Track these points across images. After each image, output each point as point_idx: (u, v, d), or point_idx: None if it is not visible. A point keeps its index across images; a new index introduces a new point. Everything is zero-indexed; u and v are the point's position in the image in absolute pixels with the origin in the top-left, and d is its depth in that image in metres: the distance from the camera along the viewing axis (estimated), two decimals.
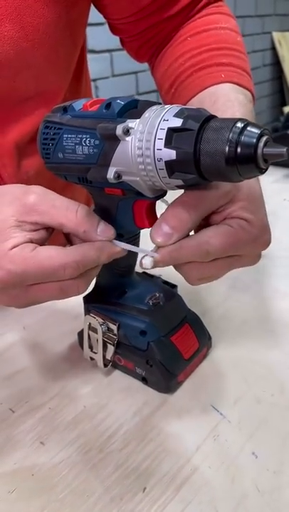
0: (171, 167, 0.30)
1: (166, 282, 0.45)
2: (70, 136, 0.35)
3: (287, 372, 0.42)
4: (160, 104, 0.33)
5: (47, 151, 0.37)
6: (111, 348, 0.40)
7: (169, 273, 0.42)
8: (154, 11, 0.51)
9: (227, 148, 0.28)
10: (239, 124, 0.28)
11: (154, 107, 0.32)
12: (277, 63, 3.07)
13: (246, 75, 0.48)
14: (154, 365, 0.39)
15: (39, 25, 0.46)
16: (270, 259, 0.61)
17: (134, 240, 0.39)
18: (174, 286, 0.45)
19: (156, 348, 0.39)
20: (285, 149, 0.29)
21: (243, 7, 2.53)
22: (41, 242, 0.34)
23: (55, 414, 0.39)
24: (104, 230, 0.34)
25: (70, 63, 0.56)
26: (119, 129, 0.31)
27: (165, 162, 0.30)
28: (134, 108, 0.33)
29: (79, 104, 0.36)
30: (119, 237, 0.38)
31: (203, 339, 0.43)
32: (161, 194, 0.35)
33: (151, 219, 0.37)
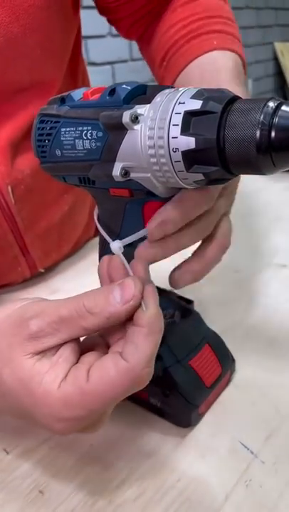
0: (190, 158, 0.25)
1: (181, 297, 0.39)
2: (68, 129, 0.30)
3: None
4: (173, 87, 0.28)
5: (43, 148, 0.32)
6: None
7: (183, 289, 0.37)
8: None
9: (258, 133, 0.23)
10: (271, 104, 0.23)
11: (167, 91, 0.27)
12: (280, 73, 3.05)
13: (237, 41, 0.47)
14: (171, 395, 0.34)
15: (30, 8, 0.42)
16: None
17: None
18: (190, 302, 0.39)
19: (173, 374, 0.33)
20: None
21: (245, 18, 2.52)
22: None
23: (56, 456, 0.33)
24: (123, 295, 0.27)
25: (64, 51, 0.52)
26: (126, 116, 0.26)
27: (182, 152, 0.25)
28: (142, 94, 0.28)
29: (78, 94, 0.31)
30: (128, 246, 0.33)
31: (226, 362, 0.37)
32: (176, 193, 0.30)
33: None
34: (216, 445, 0.33)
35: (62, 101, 0.31)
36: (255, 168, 0.24)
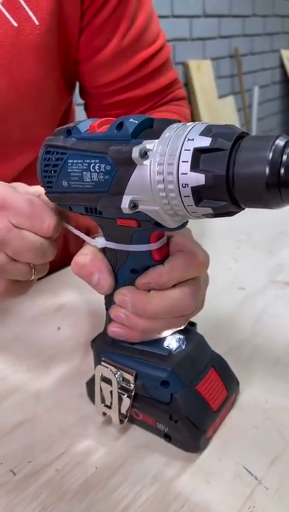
0: (199, 194, 0.26)
1: None
2: (76, 161, 0.30)
3: None
4: (180, 121, 0.28)
5: (49, 178, 0.32)
6: (127, 401, 0.35)
7: None
8: (128, 85, 0.56)
9: (268, 170, 0.24)
10: (280, 142, 0.24)
11: (175, 125, 0.28)
12: (286, 81, 3.05)
13: None
14: (179, 421, 0.34)
15: (30, 79, 0.47)
16: None
17: None
18: (193, 324, 0.40)
19: (180, 400, 0.34)
20: None
21: (252, 26, 2.53)
22: None
23: (62, 478, 0.34)
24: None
25: (56, 114, 0.57)
26: (135, 152, 0.27)
27: (192, 188, 0.26)
28: (149, 127, 0.29)
29: (85, 125, 0.31)
30: (134, 272, 0.33)
31: (231, 385, 0.38)
32: (183, 224, 0.30)
33: (166, 251, 0.33)
34: (221, 470, 0.33)
35: (69, 132, 0.32)
36: (264, 203, 0.25)
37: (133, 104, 0.59)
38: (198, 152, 0.25)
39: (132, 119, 0.29)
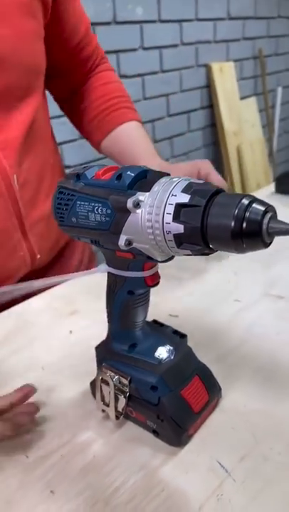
0: (180, 239, 0.32)
1: (176, 332, 0.46)
2: (83, 203, 0.37)
3: None
4: (168, 175, 0.34)
5: (61, 214, 0.39)
6: (122, 401, 0.42)
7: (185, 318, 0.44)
8: (74, 52, 0.73)
9: (233, 224, 0.30)
10: (245, 201, 0.30)
11: (163, 180, 0.34)
12: None
13: (136, 112, 0.78)
14: (164, 420, 0.40)
15: (27, 29, 0.59)
16: None
17: (145, 297, 0.41)
18: (184, 336, 0.45)
19: (166, 403, 0.40)
20: (286, 227, 0.30)
21: (277, 27, 2.53)
22: None
23: (66, 463, 0.40)
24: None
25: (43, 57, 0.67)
26: (129, 203, 0.33)
27: (174, 235, 0.32)
28: (143, 178, 0.35)
29: (92, 172, 0.38)
30: (131, 294, 0.39)
31: (213, 391, 0.44)
32: (169, 258, 0.37)
33: (157, 277, 0.39)
34: (198, 463, 0.39)
35: (78, 177, 0.38)
36: (231, 249, 0.31)
37: (80, 63, 0.76)
38: (179, 206, 0.31)
39: (129, 172, 0.35)
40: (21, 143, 0.61)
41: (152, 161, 0.69)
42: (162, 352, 0.42)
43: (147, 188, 0.33)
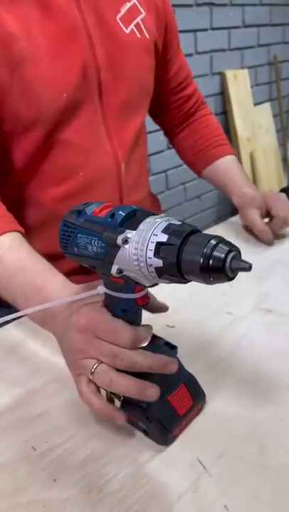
0: (160, 271, 0.39)
1: (167, 343, 0.51)
2: (82, 235, 0.43)
3: (268, 433, 0.48)
4: (154, 215, 0.41)
5: (65, 244, 0.45)
6: (117, 403, 0.48)
7: (170, 334, 0.50)
8: (175, 91, 0.96)
9: (201, 260, 0.36)
10: (213, 241, 0.36)
11: (148, 220, 0.40)
12: None
13: (231, 146, 1.02)
14: (152, 422, 0.46)
15: (145, 62, 0.83)
16: (278, 316, 0.67)
17: (137, 315, 0.47)
18: (174, 348, 0.50)
19: (154, 407, 0.46)
20: (248, 265, 0.36)
21: None
22: None
23: (67, 456, 0.47)
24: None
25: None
26: (119, 240, 0.40)
27: (155, 268, 0.38)
28: (133, 216, 0.41)
29: (91, 209, 0.44)
30: (124, 312, 0.46)
31: (197, 397, 0.49)
32: (155, 283, 0.43)
33: (147, 298, 0.46)
34: (180, 460, 0.45)
35: (79, 213, 0.45)
36: (200, 280, 0.37)
37: (182, 104, 0.98)
38: (159, 244, 0.38)
39: (120, 211, 0.41)
40: (131, 142, 0.81)
41: (239, 191, 0.93)
42: None
43: (135, 227, 0.40)
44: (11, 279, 0.55)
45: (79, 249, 0.44)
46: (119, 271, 0.41)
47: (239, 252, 0.37)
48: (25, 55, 0.65)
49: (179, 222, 0.39)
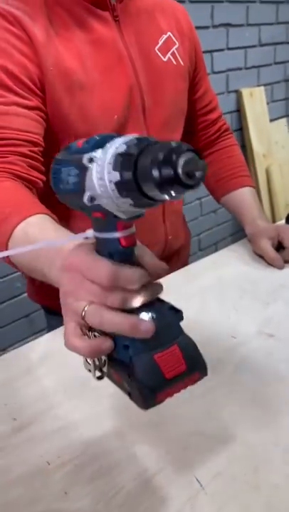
0: (119, 188, 0.35)
1: (172, 307, 0.45)
2: (64, 169, 0.40)
3: (263, 455, 0.51)
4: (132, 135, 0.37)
5: (54, 183, 0.42)
6: (102, 360, 0.44)
7: None
8: (201, 113, 1.04)
9: (153, 169, 0.32)
10: (167, 147, 0.32)
11: (116, 139, 0.36)
12: None
13: (251, 179, 1.09)
14: (134, 380, 0.41)
15: (181, 87, 0.94)
16: (279, 340, 0.70)
17: (126, 260, 0.41)
18: (178, 311, 0.45)
19: (136, 363, 0.40)
20: (201, 164, 0.33)
21: None
22: None
23: (78, 470, 0.52)
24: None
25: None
26: (84, 158, 0.37)
27: (114, 183, 0.35)
28: (111, 139, 0.37)
29: (75, 144, 0.41)
30: (110, 256, 0.41)
31: (193, 364, 0.43)
32: (135, 216, 0.39)
33: (132, 240, 0.41)
34: (180, 476, 0.50)
35: (66, 148, 0.42)
36: (159, 193, 0.33)
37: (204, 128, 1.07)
38: (118, 156, 0.34)
39: (96, 136, 0.38)
40: None
41: (253, 222, 1.00)
42: (144, 316, 0.41)
43: (104, 146, 0.36)
44: (37, 251, 0.53)
45: (64, 185, 0.41)
46: (91, 198, 0.37)
47: (196, 154, 0.33)
48: (82, 85, 0.77)
49: (146, 136, 0.36)
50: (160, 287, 0.43)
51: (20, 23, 0.73)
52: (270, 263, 0.93)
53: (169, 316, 0.43)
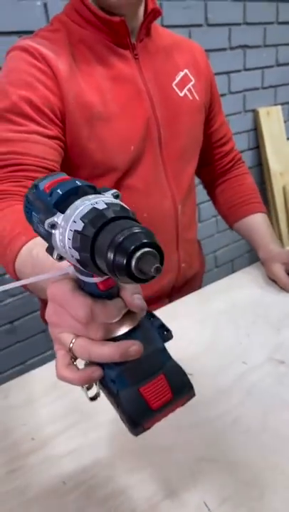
0: (81, 264, 0.34)
1: (162, 326, 0.45)
2: (34, 214, 0.39)
3: (269, 482, 0.53)
4: (92, 193, 0.36)
5: (28, 220, 0.41)
6: (94, 387, 0.45)
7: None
8: (216, 145, 1.10)
9: (107, 255, 0.31)
10: (125, 232, 0.30)
11: (77, 202, 0.34)
12: None
13: (264, 206, 1.12)
14: (121, 412, 0.42)
15: (197, 120, 1.00)
16: None
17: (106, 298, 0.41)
18: (168, 331, 0.45)
19: (123, 397, 0.41)
20: (154, 267, 0.30)
21: None
22: None
23: (91, 492, 0.54)
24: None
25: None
26: (46, 225, 0.35)
27: (76, 259, 0.34)
28: (75, 194, 0.36)
29: (44, 183, 0.38)
30: (90, 294, 0.40)
31: (180, 390, 0.43)
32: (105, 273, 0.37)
33: (111, 283, 0.40)
34: (188, 501, 0.52)
35: (36, 187, 0.39)
36: (115, 278, 0.32)
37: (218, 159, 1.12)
38: (76, 233, 0.33)
39: (58, 190, 0.36)
40: (186, 187, 0.97)
41: (265, 247, 1.03)
42: None
43: (64, 210, 0.35)
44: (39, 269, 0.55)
45: (35, 227, 0.40)
46: (59, 257, 0.37)
47: (158, 250, 0.31)
48: (101, 117, 0.82)
49: (106, 205, 0.33)
50: (143, 310, 0.42)
51: (46, 59, 0.78)
52: (283, 288, 0.95)
53: (156, 341, 0.43)
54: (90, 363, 0.42)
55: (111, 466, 0.57)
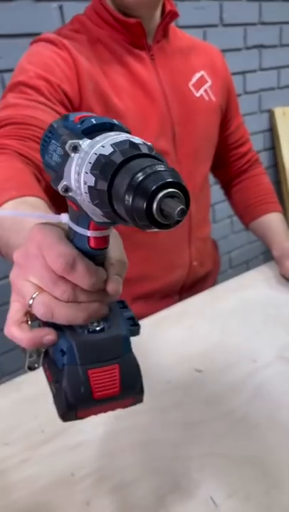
0: (92, 194, 0.30)
1: (132, 318, 0.42)
2: (53, 141, 0.35)
3: (276, 478, 0.53)
4: (128, 132, 0.33)
5: (42, 150, 0.37)
6: (40, 354, 0.41)
7: (197, 377, 0.57)
8: (233, 147, 1.11)
9: (124, 194, 0.27)
10: (148, 170, 0.27)
11: (111, 133, 0.31)
12: None
13: (280, 205, 1.13)
14: (59, 388, 0.38)
15: (212, 121, 1.01)
16: None
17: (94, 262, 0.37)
18: (137, 325, 0.42)
19: (67, 373, 0.37)
20: (179, 208, 0.26)
21: None
22: None
23: (100, 483, 0.55)
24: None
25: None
26: (68, 145, 0.31)
27: (88, 186, 0.30)
28: (108, 130, 0.33)
29: (75, 114, 0.35)
30: (80, 250, 0.37)
31: (129, 389, 0.39)
32: (108, 222, 0.33)
33: (103, 243, 0.36)
34: (195, 496, 0.52)
35: (65, 118, 0.35)
36: (128, 220, 0.28)
37: (236, 160, 1.13)
38: (100, 158, 0.29)
39: (93, 119, 0.33)
40: (200, 185, 0.99)
41: (279, 245, 1.02)
42: (94, 324, 0.38)
43: (95, 136, 0.31)
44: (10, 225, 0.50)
45: (48, 157, 0.35)
46: (65, 188, 0.33)
47: (183, 190, 0.28)
48: (117, 110, 0.83)
49: (143, 142, 0.30)
50: (116, 295, 0.38)
51: (68, 49, 0.81)
52: None
53: (121, 328, 0.39)
54: (43, 325, 0.38)
55: (119, 458, 0.58)
